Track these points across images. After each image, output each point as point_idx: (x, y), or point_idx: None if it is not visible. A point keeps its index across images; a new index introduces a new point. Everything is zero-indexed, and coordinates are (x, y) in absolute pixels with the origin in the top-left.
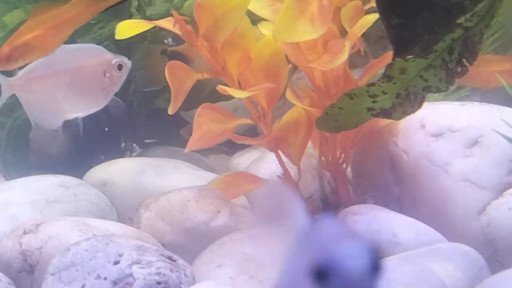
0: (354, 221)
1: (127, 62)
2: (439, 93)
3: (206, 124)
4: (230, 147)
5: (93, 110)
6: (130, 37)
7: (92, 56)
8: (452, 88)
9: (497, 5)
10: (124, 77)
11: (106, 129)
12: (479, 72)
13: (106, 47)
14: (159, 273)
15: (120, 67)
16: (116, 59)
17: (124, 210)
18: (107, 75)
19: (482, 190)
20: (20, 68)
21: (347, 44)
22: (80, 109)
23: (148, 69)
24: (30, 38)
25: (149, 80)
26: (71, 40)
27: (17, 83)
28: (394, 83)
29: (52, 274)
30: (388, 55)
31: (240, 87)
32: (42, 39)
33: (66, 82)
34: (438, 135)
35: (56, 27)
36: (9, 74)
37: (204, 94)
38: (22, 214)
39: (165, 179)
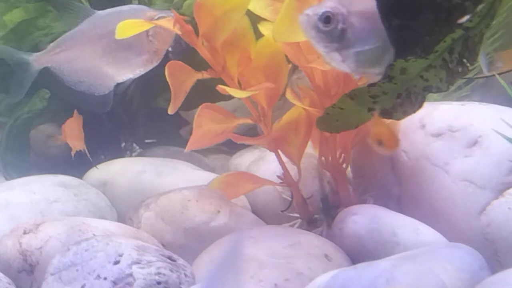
0: (354, 221)
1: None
2: (439, 93)
3: (206, 124)
4: (230, 147)
5: (144, 70)
6: None
7: (131, 16)
8: (452, 88)
9: (497, 5)
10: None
11: (107, 128)
12: None
13: None
14: (159, 273)
15: None
16: (159, 14)
17: (124, 210)
18: (150, 32)
19: (482, 190)
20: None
21: None
22: (129, 71)
23: None
24: None
25: None
26: None
27: (45, 56)
28: (395, 84)
29: (52, 274)
30: None
31: (240, 87)
32: None
33: (105, 47)
34: (438, 135)
35: None
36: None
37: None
38: (22, 214)
39: (165, 179)
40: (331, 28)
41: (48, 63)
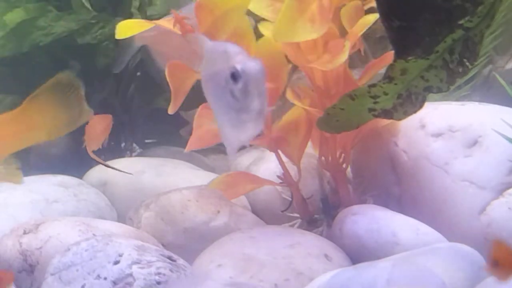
0: (354, 221)
1: None
2: (439, 93)
3: (206, 124)
4: None
5: None
6: None
7: None
8: (452, 88)
9: (498, 5)
10: None
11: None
12: None
13: (105, 46)
14: (159, 273)
15: None
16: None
17: (124, 210)
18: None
19: (482, 190)
20: None
21: (347, 44)
22: None
23: None
24: None
25: None
26: (71, 40)
27: (148, 34)
28: (395, 84)
29: (52, 274)
30: (388, 55)
31: None
32: None
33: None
34: (438, 135)
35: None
36: None
37: None
38: (22, 214)
39: (165, 179)
40: None
41: (144, 42)
